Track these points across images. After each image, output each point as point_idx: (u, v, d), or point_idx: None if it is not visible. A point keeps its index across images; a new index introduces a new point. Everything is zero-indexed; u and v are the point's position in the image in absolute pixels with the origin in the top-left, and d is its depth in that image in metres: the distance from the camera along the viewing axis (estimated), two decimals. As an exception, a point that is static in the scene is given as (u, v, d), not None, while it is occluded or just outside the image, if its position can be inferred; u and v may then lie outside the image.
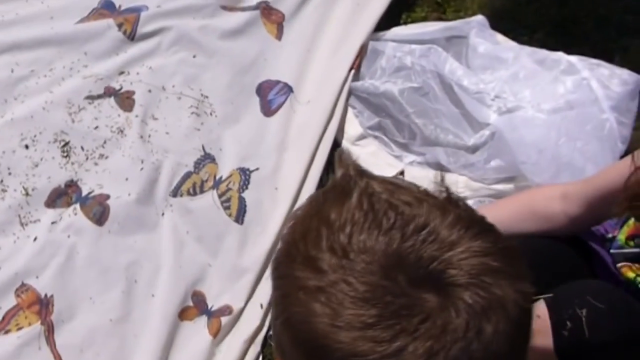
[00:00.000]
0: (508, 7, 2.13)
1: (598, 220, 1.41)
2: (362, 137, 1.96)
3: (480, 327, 0.60)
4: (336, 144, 1.96)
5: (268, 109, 1.99)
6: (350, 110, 2.00)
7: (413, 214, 0.65)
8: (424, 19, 2.12)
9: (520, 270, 0.65)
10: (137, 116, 1.94)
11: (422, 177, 1.86)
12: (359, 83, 1.98)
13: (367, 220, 0.64)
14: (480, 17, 1.97)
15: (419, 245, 0.63)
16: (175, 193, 1.85)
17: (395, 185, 0.69)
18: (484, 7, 2.11)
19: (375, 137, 1.95)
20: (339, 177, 0.70)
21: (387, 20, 2.09)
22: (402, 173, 1.91)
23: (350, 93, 2.00)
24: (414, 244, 0.63)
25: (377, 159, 1.93)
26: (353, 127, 1.98)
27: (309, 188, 1.86)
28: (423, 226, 0.64)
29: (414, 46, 1.92)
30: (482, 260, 0.62)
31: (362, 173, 0.69)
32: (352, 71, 2.00)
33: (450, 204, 0.67)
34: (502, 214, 1.44)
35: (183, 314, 1.72)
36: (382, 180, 0.69)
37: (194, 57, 2.05)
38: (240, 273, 1.77)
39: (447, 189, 0.69)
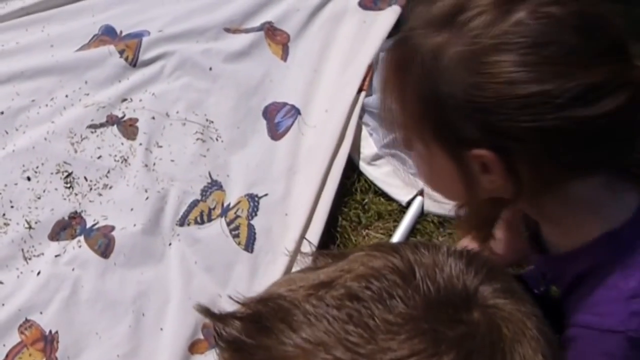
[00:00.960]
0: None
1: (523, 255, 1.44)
2: (377, 156, 1.90)
3: None
4: (352, 165, 1.90)
5: (275, 133, 1.94)
6: (364, 129, 1.94)
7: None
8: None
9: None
10: (141, 144, 1.89)
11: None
12: (370, 98, 1.93)
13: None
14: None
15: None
16: (182, 222, 1.80)
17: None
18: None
19: (392, 155, 1.89)
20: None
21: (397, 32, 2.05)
22: (421, 193, 1.84)
23: (362, 110, 1.94)
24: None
25: (395, 179, 1.88)
26: (368, 146, 1.92)
27: (321, 213, 1.79)
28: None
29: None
30: None
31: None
32: (363, 92, 1.94)
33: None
34: None
35: (193, 348, 1.66)
36: None
37: (198, 81, 2.00)
38: (251, 303, 1.70)
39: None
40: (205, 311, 0.68)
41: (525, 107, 0.85)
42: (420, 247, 0.67)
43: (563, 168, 0.91)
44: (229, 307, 0.70)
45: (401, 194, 1.86)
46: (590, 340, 0.99)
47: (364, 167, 1.91)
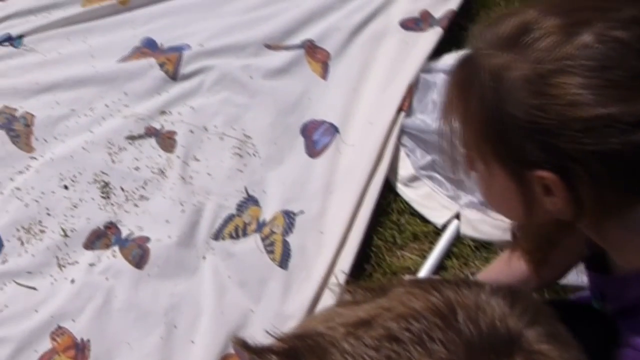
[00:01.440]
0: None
1: (561, 272, 1.42)
2: (414, 178, 1.89)
3: None
4: (389, 185, 1.89)
5: (313, 150, 1.93)
6: (401, 149, 1.93)
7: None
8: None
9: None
10: (178, 157, 1.89)
11: (480, 221, 1.78)
12: (409, 120, 1.92)
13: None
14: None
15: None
16: (217, 236, 1.79)
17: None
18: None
19: (429, 177, 1.88)
20: None
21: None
22: (457, 216, 1.82)
23: (401, 131, 1.93)
24: None
25: (431, 201, 1.86)
26: (405, 167, 1.91)
27: (357, 233, 1.78)
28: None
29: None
30: None
31: None
32: (402, 113, 1.93)
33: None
34: (491, 268, 1.57)
35: (224, 362, 1.65)
36: None
37: (236, 96, 2.00)
38: (283, 320, 1.68)
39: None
40: (242, 344, 0.66)
41: (589, 130, 0.84)
42: (462, 285, 0.64)
43: (626, 192, 0.90)
44: (260, 333, 0.69)
45: (437, 216, 1.84)
46: None
47: (400, 188, 1.89)
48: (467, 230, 1.82)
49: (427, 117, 1.91)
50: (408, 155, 1.92)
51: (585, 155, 0.86)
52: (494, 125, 0.92)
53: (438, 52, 2.06)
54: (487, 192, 1.04)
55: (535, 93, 0.87)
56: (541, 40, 0.88)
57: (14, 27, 2.12)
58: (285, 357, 0.63)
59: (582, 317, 1.11)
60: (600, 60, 0.85)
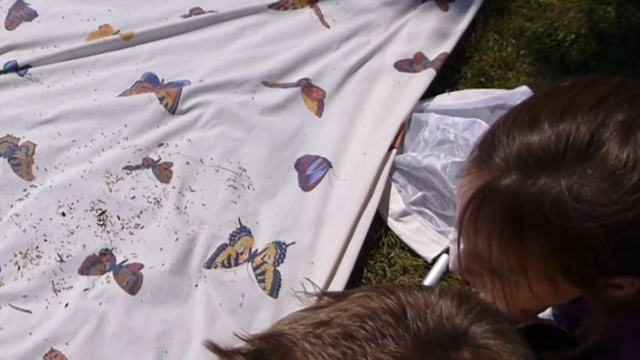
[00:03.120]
0: (554, 82, 2.12)
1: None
2: (405, 213, 1.93)
3: None
4: (380, 219, 1.93)
5: (306, 184, 1.98)
6: (393, 185, 1.97)
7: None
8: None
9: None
10: (174, 187, 1.94)
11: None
12: (401, 156, 1.97)
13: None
14: (524, 88, 1.98)
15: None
16: (209, 265, 1.83)
17: None
18: (528, 84, 2.10)
19: (420, 213, 1.92)
20: None
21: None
22: (447, 251, 1.86)
23: (392, 167, 1.98)
24: None
25: (421, 236, 1.90)
26: (396, 202, 1.95)
27: (347, 264, 1.81)
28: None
29: (457, 119, 1.92)
30: None
31: None
32: (394, 150, 1.98)
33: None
34: None
35: (213, 388, 1.66)
36: None
37: (233, 130, 2.05)
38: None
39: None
40: (213, 347, 0.71)
41: None
42: (415, 289, 0.70)
43: None
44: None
45: (427, 251, 1.88)
46: None
47: (391, 222, 1.93)
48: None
49: (419, 154, 1.95)
50: (399, 191, 1.96)
51: None
52: (561, 254, 0.88)
53: (431, 93, 2.12)
54: (522, 297, 0.98)
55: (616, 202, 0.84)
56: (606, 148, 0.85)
57: (21, 57, 2.18)
58: (251, 358, 0.67)
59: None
60: None
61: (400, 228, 1.92)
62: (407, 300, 0.68)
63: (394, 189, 1.97)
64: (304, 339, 0.67)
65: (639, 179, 0.83)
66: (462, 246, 0.98)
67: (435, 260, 1.87)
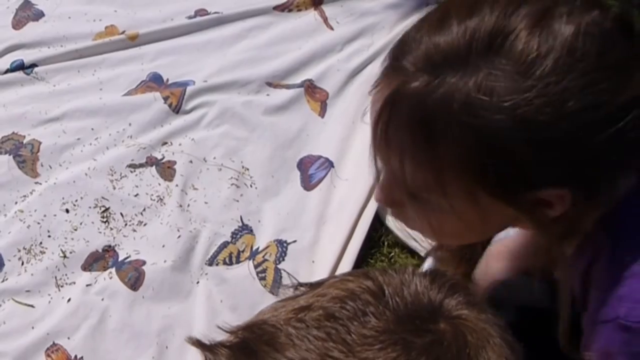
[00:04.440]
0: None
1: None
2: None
3: None
4: (380, 221, 1.94)
5: (308, 183, 1.99)
6: (393, 184, 1.98)
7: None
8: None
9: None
10: (177, 185, 1.96)
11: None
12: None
13: None
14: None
15: None
16: (211, 262, 1.84)
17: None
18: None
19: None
20: None
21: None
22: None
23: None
24: None
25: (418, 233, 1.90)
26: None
27: (347, 262, 1.82)
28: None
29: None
30: None
31: None
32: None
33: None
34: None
35: (213, 384, 1.68)
36: None
37: (236, 130, 2.07)
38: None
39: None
40: (196, 342, 0.73)
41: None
42: (389, 270, 0.74)
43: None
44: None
45: (424, 246, 1.88)
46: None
47: (389, 219, 1.94)
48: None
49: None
50: (400, 191, 1.97)
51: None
52: (477, 160, 0.84)
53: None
54: (448, 225, 0.96)
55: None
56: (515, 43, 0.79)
57: (27, 56, 2.21)
58: (236, 350, 0.70)
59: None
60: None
61: (398, 224, 1.93)
62: (383, 279, 0.71)
63: (394, 188, 1.98)
64: (287, 324, 0.69)
65: (552, 64, 0.78)
66: (381, 176, 0.96)
67: (427, 255, 1.87)
